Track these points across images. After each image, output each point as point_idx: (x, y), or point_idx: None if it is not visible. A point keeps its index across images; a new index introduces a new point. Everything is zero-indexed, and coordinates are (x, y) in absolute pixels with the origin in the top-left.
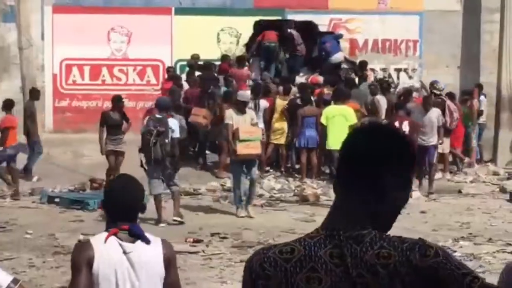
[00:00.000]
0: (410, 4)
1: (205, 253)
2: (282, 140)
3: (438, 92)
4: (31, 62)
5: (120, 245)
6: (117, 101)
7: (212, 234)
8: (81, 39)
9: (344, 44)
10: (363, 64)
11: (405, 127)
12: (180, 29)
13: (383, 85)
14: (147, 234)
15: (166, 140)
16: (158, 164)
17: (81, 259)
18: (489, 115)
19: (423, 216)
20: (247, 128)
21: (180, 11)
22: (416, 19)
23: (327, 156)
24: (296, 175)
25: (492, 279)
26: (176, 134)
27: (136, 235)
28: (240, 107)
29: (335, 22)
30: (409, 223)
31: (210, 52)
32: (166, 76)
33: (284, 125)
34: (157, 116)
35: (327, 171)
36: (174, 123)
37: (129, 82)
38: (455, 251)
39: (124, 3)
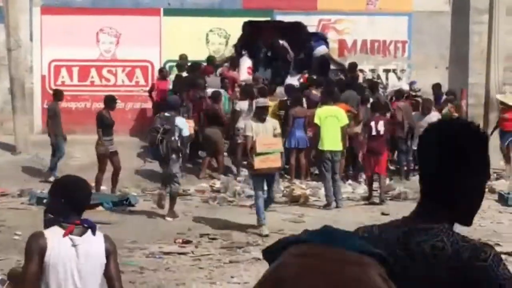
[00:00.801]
0: (399, 5)
1: (194, 254)
2: None
3: (414, 93)
4: (20, 63)
5: (70, 238)
6: (112, 101)
7: (201, 235)
8: (70, 40)
9: (333, 45)
10: (353, 66)
11: (381, 127)
12: (169, 30)
13: (371, 86)
14: (98, 232)
15: (172, 138)
16: (162, 161)
17: (34, 249)
18: (478, 115)
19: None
20: (267, 139)
21: (169, 12)
22: (404, 20)
23: (317, 157)
24: (286, 175)
25: None
26: (186, 132)
27: (89, 227)
28: (260, 115)
29: (323, 23)
30: None
31: (199, 53)
32: (158, 76)
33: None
34: (166, 114)
35: (316, 172)
36: (182, 122)
37: (118, 83)
38: None
39: (112, 4)
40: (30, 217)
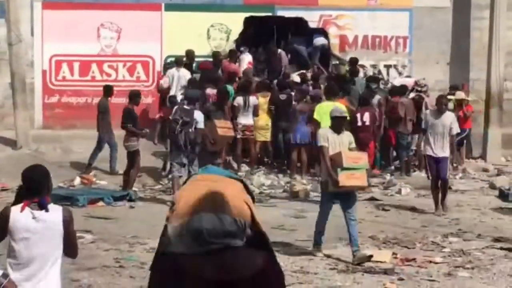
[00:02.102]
0: (400, 0)
1: None
2: (268, 137)
3: (419, 89)
4: (21, 58)
5: (31, 212)
6: (137, 96)
7: None
8: (71, 35)
9: (334, 40)
10: (353, 61)
11: (366, 118)
12: (170, 25)
13: (373, 81)
14: (51, 205)
15: (190, 130)
16: (181, 150)
17: (0, 219)
18: (478, 111)
19: (413, 213)
20: (353, 153)
21: (170, 7)
22: (405, 15)
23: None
24: (287, 170)
25: (482, 275)
26: (201, 125)
27: (40, 205)
28: (337, 125)
29: (325, 19)
30: (399, 220)
31: (200, 48)
32: (162, 73)
33: (269, 121)
34: (185, 107)
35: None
36: (199, 115)
37: (119, 78)
38: (444, 247)
39: None
40: None
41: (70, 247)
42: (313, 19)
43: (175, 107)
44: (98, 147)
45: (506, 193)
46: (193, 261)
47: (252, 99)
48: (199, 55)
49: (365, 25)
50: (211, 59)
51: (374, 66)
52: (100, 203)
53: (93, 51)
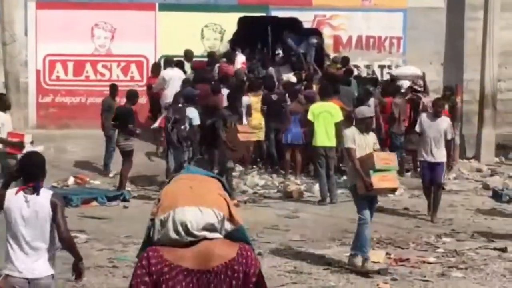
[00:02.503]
0: (394, 1)
1: None
2: (261, 136)
3: (418, 88)
4: (15, 57)
5: (24, 196)
6: (135, 96)
7: None
8: (65, 35)
9: (328, 40)
10: (345, 60)
11: None
12: (164, 25)
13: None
14: (43, 189)
15: (182, 127)
16: (174, 147)
17: None
18: (472, 112)
19: (406, 213)
20: (383, 153)
21: (164, 7)
22: (399, 16)
23: (312, 153)
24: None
25: (475, 275)
26: (196, 121)
27: (34, 189)
28: (366, 126)
29: (319, 19)
30: (392, 220)
31: (194, 48)
32: (150, 74)
33: (262, 120)
34: (179, 105)
35: (311, 168)
36: (192, 112)
37: (113, 78)
38: (437, 248)
39: None
40: None
41: (61, 233)
42: (307, 19)
43: (170, 106)
44: (109, 146)
45: (499, 193)
46: (175, 251)
47: (245, 99)
48: (194, 55)
49: (359, 25)
50: (205, 59)
51: (368, 67)
52: (94, 203)
53: (87, 51)
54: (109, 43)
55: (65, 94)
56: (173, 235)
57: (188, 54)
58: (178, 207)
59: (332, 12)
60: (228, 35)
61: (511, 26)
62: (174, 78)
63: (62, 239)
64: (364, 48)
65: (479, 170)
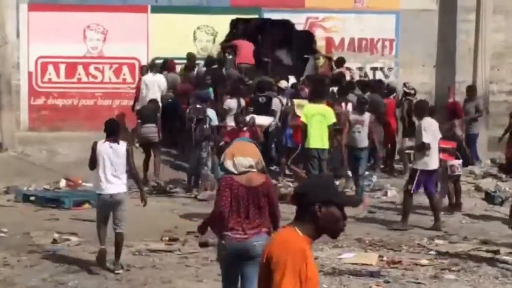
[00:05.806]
0: (386, 3)
1: (181, 251)
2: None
3: (408, 91)
4: (7, 60)
5: (110, 145)
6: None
7: (188, 233)
8: (57, 37)
9: (320, 42)
10: (340, 61)
11: None
12: (156, 27)
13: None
14: (121, 141)
15: (205, 126)
16: (196, 145)
17: (92, 147)
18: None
19: (399, 215)
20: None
21: (156, 9)
22: (392, 18)
23: (304, 155)
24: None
25: (468, 277)
26: (215, 122)
27: (115, 140)
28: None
29: (311, 21)
30: (385, 222)
31: (186, 51)
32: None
33: None
34: (198, 106)
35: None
36: (212, 112)
37: (105, 80)
38: (430, 250)
39: (100, 1)
40: (17, 214)
41: (131, 169)
42: (299, 21)
43: (190, 107)
44: None
45: (492, 195)
46: (236, 177)
47: (241, 101)
48: (184, 58)
49: (352, 27)
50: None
51: (360, 69)
52: (86, 206)
53: (79, 53)
54: (101, 45)
55: (57, 96)
56: (235, 170)
57: (191, 57)
58: (238, 156)
59: (324, 14)
60: (221, 37)
61: (503, 28)
62: (153, 84)
63: (131, 174)
64: (357, 50)
65: (471, 173)
